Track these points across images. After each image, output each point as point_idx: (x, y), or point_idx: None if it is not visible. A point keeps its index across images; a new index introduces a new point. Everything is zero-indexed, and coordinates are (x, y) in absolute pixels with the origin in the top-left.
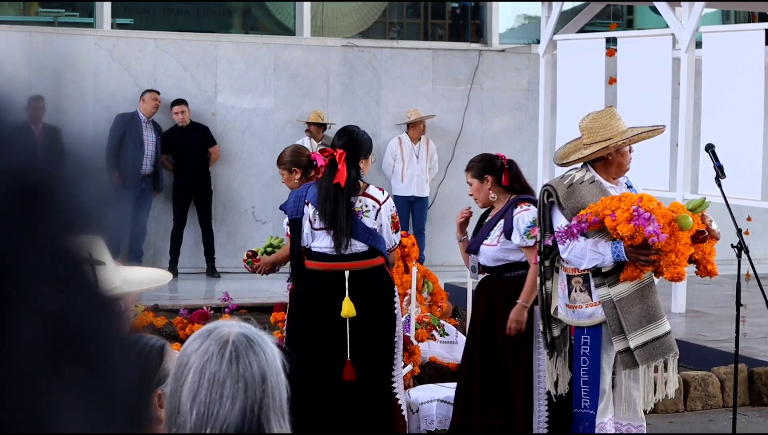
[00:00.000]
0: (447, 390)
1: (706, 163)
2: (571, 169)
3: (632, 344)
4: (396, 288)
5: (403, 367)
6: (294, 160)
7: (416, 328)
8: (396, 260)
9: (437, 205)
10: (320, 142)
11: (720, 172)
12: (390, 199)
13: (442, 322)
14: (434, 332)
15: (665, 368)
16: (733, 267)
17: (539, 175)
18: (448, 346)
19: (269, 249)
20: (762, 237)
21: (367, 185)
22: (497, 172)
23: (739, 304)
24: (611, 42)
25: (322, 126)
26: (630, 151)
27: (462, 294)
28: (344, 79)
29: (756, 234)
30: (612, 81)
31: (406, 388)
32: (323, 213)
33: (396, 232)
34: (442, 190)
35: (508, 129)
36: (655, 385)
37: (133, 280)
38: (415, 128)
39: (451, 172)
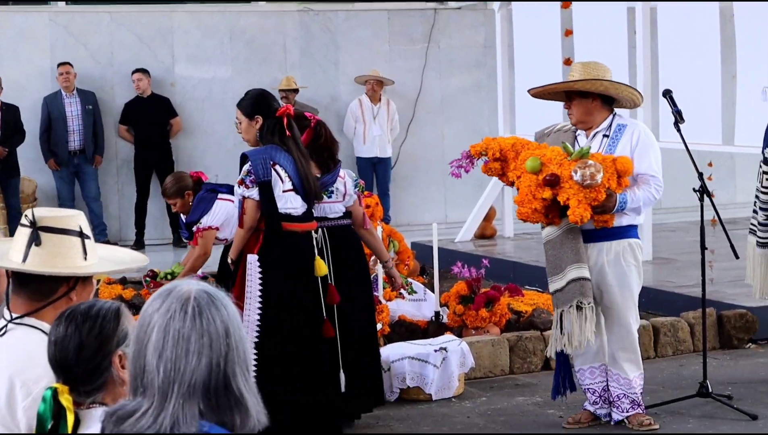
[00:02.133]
0: (417, 347)
1: (666, 110)
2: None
3: (550, 289)
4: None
5: None
6: (181, 187)
7: (383, 288)
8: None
9: (400, 165)
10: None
11: (679, 117)
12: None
13: (409, 280)
14: (402, 290)
15: (578, 311)
16: (698, 213)
17: (500, 130)
18: (417, 304)
19: (170, 276)
20: (726, 183)
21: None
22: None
23: (704, 248)
24: None
25: (294, 91)
26: (568, 105)
27: (428, 252)
28: (301, 43)
29: (720, 180)
30: (568, 33)
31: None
32: (303, 175)
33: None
34: (404, 150)
35: (467, 86)
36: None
37: (109, 259)
38: (373, 89)
39: (412, 132)
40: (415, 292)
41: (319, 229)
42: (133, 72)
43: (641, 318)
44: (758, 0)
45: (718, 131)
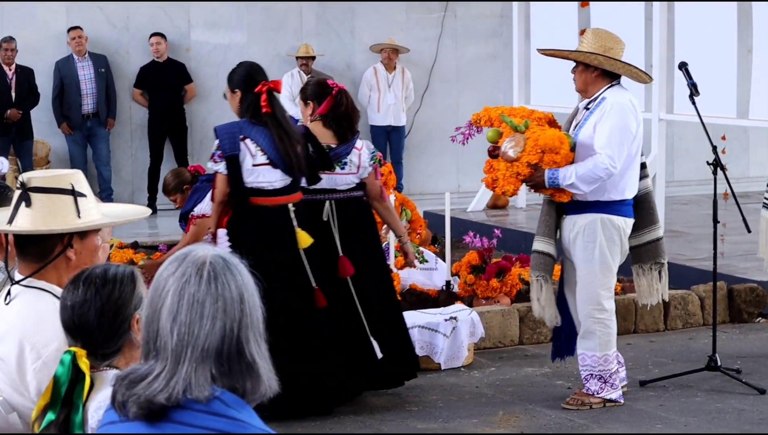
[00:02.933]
0: (427, 316)
1: (681, 83)
2: None
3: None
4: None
5: None
6: (180, 182)
7: (395, 256)
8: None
9: (414, 134)
10: (309, 75)
11: (694, 90)
12: None
13: (421, 248)
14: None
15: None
16: (711, 186)
17: (515, 100)
18: (428, 273)
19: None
20: (740, 156)
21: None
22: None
23: (716, 222)
24: None
25: (311, 58)
26: (574, 72)
27: (440, 221)
28: (318, 10)
29: (733, 153)
30: (584, 4)
31: None
32: (283, 150)
33: None
34: (418, 119)
35: (483, 56)
36: None
37: (112, 215)
38: (389, 58)
39: (426, 101)
40: (427, 261)
41: (327, 202)
42: (151, 35)
43: None
44: None
45: (732, 105)
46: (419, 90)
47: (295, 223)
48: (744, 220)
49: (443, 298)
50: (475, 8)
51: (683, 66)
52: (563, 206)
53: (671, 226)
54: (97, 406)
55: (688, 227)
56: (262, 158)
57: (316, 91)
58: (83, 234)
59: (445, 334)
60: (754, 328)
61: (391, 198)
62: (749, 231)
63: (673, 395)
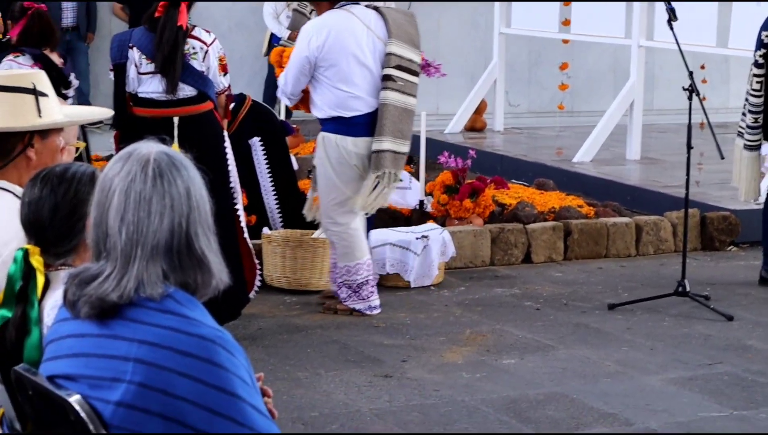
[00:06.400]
0: (399, 234)
1: (662, 10)
2: None
3: None
4: (225, 132)
5: None
6: None
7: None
8: (224, 104)
9: None
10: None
11: (672, 15)
12: (217, 41)
13: None
14: None
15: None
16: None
17: (496, 22)
18: (402, 192)
19: None
20: (719, 87)
21: (194, 27)
22: None
23: (690, 147)
24: None
25: None
26: None
27: (416, 142)
28: None
29: (713, 84)
30: None
31: None
32: (160, 56)
33: (224, 75)
34: None
35: None
36: None
37: (74, 115)
38: None
39: None
40: (401, 180)
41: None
42: None
43: (623, 215)
44: None
45: (712, 33)
46: None
47: (176, 139)
48: (718, 146)
49: (416, 217)
50: None
51: None
52: None
53: (647, 153)
54: (53, 304)
55: (664, 155)
56: (148, 67)
57: None
58: (44, 133)
59: (416, 252)
60: (726, 256)
61: None
62: (722, 157)
63: (641, 319)
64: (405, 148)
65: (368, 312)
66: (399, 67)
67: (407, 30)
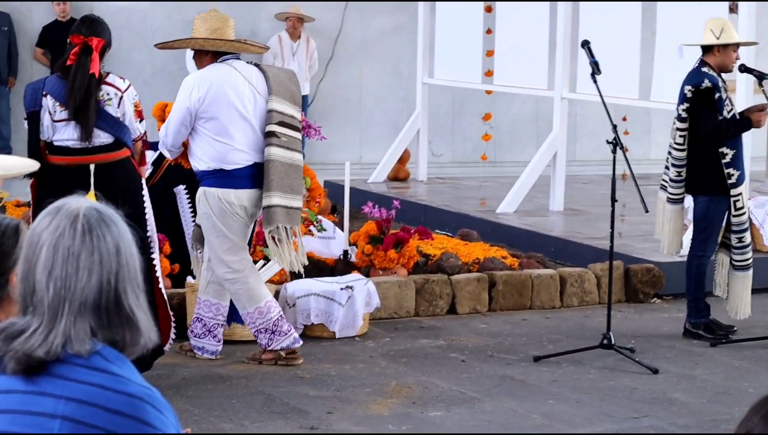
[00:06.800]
0: (324, 284)
1: (585, 62)
2: None
3: None
4: (143, 180)
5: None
6: None
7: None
8: (140, 151)
9: (317, 103)
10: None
11: (595, 69)
12: (132, 88)
13: (319, 217)
14: (312, 227)
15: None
16: (611, 166)
17: (419, 73)
18: (326, 242)
19: None
20: (641, 138)
21: (108, 74)
22: None
23: (614, 200)
24: None
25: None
26: None
27: (341, 191)
28: None
29: (635, 135)
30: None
31: (281, 282)
32: (72, 103)
33: (140, 121)
34: (321, 88)
35: (389, 28)
36: None
37: (1, 168)
38: (294, 26)
39: (331, 70)
40: (325, 230)
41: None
42: None
43: (548, 267)
44: None
45: (635, 86)
46: (324, 60)
47: (92, 188)
48: (642, 199)
49: (340, 267)
50: None
51: (586, 44)
52: None
53: (570, 204)
54: None
55: (587, 206)
56: (62, 114)
57: None
58: None
59: (341, 302)
60: (650, 308)
61: None
62: (647, 210)
63: (567, 371)
64: (297, 202)
65: (296, 345)
66: (281, 124)
67: (288, 87)
